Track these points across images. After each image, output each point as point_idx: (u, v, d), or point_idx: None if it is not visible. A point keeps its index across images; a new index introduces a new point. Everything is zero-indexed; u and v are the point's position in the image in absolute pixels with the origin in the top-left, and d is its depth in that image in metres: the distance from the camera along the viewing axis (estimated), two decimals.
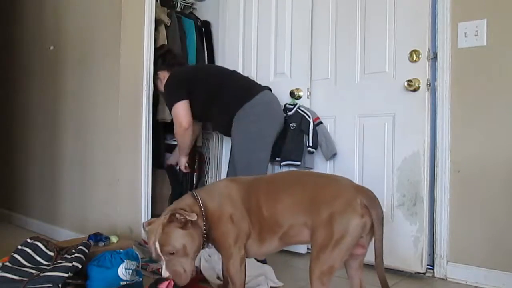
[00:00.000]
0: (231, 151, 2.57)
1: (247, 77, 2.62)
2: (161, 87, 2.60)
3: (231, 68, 2.76)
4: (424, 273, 2.21)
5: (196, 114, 2.48)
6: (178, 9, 3.22)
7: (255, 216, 1.57)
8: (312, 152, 2.51)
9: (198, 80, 2.46)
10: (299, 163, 2.50)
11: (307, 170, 2.55)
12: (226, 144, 2.96)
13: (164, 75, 2.59)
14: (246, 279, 2.00)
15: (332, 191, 1.47)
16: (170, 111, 2.49)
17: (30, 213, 3.21)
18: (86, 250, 1.77)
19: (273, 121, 2.43)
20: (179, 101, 2.40)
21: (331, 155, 2.52)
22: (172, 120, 2.57)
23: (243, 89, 2.43)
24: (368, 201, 1.42)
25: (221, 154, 3.04)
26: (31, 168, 3.24)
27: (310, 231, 1.46)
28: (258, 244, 1.59)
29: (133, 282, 1.78)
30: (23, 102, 3.35)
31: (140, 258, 1.87)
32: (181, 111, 2.41)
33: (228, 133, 2.47)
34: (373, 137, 2.40)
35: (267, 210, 1.55)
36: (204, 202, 1.59)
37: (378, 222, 1.41)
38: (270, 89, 2.53)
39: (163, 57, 2.64)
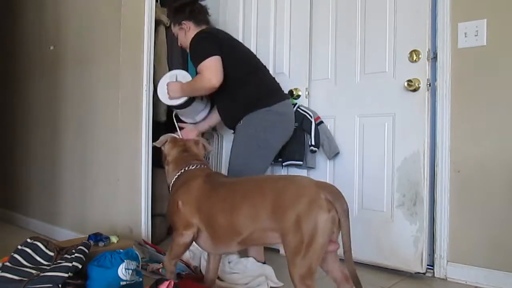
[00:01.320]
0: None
1: (273, 76, 2.42)
2: (184, 40, 2.38)
3: None
4: (424, 273, 2.21)
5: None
6: None
7: (207, 219, 1.62)
8: (314, 151, 2.50)
9: (232, 54, 2.19)
10: (301, 163, 2.50)
11: (309, 169, 2.56)
12: (226, 144, 2.95)
13: (189, 26, 2.35)
14: (246, 280, 2.01)
15: (294, 192, 1.44)
16: (196, 66, 2.17)
17: (30, 213, 3.21)
18: (86, 250, 1.77)
19: (284, 134, 2.30)
20: (214, 55, 2.12)
21: (334, 154, 2.51)
22: (170, 120, 2.55)
23: (269, 89, 2.26)
24: (332, 196, 1.40)
25: (221, 153, 3.04)
26: (31, 168, 3.23)
27: (279, 235, 1.44)
28: (214, 243, 1.65)
29: (133, 282, 1.77)
30: (23, 102, 3.35)
31: (140, 258, 1.87)
32: (214, 66, 2.10)
33: (233, 126, 2.29)
34: (373, 137, 2.40)
35: (222, 218, 1.57)
36: (181, 175, 1.81)
37: (344, 216, 1.40)
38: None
39: (191, 7, 2.36)
